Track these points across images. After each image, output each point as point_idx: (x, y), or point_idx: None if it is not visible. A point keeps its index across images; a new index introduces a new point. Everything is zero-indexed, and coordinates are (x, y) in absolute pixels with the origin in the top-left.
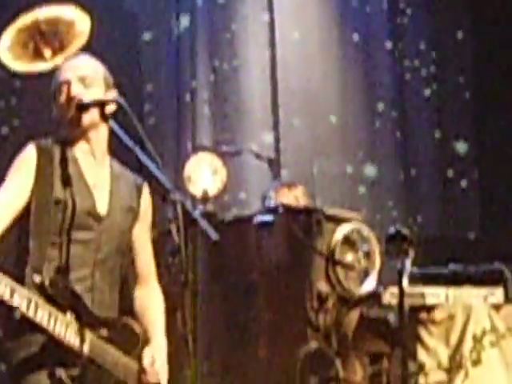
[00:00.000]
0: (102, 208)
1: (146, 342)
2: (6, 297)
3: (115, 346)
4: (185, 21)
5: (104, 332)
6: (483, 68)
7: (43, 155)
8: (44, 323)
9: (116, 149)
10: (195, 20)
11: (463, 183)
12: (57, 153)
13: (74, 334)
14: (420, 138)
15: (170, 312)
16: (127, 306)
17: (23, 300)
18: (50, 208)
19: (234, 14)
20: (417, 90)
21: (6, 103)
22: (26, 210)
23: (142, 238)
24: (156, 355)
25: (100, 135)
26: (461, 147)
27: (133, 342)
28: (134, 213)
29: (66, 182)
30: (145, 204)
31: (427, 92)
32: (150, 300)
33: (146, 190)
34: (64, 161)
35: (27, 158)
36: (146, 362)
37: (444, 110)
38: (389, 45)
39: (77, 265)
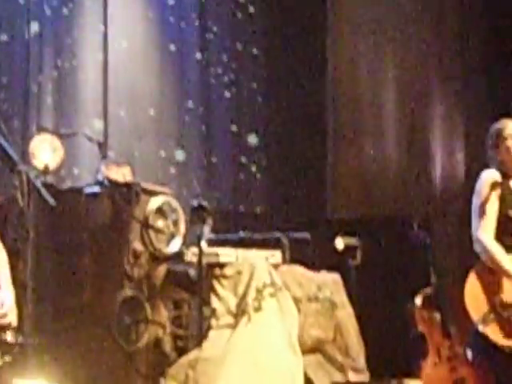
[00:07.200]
0: None
1: None
2: None
3: None
4: (35, 26)
5: None
6: (273, 77)
7: None
8: None
9: None
10: (43, 26)
11: (253, 168)
12: None
13: None
14: (220, 131)
15: (14, 264)
16: None
17: None
18: None
19: (75, 23)
20: (219, 93)
21: None
22: None
23: None
24: (5, 300)
25: None
26: (252, 139)
27: None
28: None
29: None
30: None
31: (227, 94)
32: None
33: None
34: None
35: None
36: None
37: (240, 109)
38: (198, 55)
39: None
